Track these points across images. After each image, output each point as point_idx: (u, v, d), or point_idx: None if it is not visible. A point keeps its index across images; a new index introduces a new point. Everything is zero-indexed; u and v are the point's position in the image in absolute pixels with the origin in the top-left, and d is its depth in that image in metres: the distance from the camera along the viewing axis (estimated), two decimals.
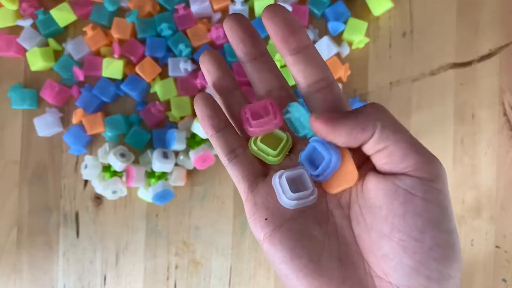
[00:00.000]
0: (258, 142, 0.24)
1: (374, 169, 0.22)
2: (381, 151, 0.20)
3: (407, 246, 0.19)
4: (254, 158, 0.24)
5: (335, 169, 0.22)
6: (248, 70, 0.25)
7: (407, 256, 0.19)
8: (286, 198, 0.22)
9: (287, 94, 0.25)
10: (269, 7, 0.22)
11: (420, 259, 0.19)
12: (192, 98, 0.50)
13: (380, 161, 0.21)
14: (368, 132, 0.20)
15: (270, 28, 0.22)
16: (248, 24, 0.24)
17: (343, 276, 0.21)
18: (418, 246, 0.19)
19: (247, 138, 0.25)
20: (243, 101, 0.25)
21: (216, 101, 0.24)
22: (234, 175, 0.24)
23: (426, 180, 0.20)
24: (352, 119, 0.20)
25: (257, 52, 0.24)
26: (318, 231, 0.22)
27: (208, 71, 0.25)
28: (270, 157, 0.24)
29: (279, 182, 0.22)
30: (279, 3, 0.49)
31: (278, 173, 0.22)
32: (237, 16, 0.23)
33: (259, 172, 0.24)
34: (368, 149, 0.21)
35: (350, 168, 0.22)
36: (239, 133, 0.25)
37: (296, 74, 0.23)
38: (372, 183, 0.21)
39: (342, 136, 0.20)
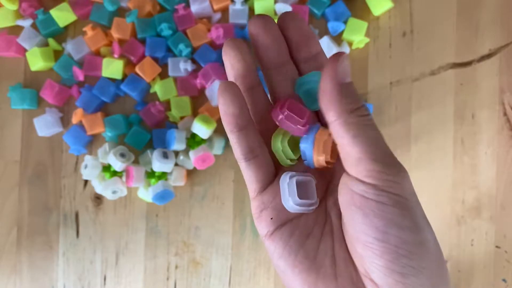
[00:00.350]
0: (286, 143, 0.24)
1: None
2: (340, 147, 0.20)
3: (375, 248, 0.20)
4: (270, 160, 0.24)
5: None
6: (271, 77, 0.24)
7: (377, 258, 0.20)
8: (291, 202, 0.22)
9: None
10: (284, 15, 0.22)
11: (390, 258, 0.20)
12: (192, 98, 0.50)
13: (341, 156, 0.21)
14: (329, 115, 0.20)
15: (285, 36, 0.22)
16: (276, 30, 0.23)
17: (336, 273, 0.22)
18: (385, 246, 0.20)
19: (266, 139, 0.24)
20: (264, 98, 0.25)
21: (243, 96, 0.22)
22: (248, 175, 0.24)
23: (379, 186, 0.20)
24: (336, 91, 0.20)
25: (284, 60, 0.24)
26: (317, 230, 0.23)
27: (232, 66, 0.23)
28: (287, 160, 0.24)
29: (288, 183, 0.23)
30: (279, 3, 0.49)
31: (289, 174, 0.23)
32: (265, 19, 0.22)
33: (273, 173, 0.24)
34: (334, 137, 0.21)
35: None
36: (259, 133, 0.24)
37: None
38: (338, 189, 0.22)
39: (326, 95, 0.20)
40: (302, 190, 0.23)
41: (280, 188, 0.23)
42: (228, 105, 0.22)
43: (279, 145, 0.24)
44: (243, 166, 0.23)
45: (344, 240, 0.23)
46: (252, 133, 0.23)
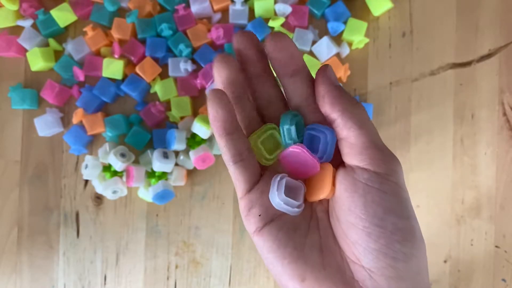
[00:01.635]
0: (259, 144, 0.25)
1: (337, 167, 0.24)
2: (345, 139, 0.23)
3: (371, 232, 0.22)
4: (256, 162, 0.25)
5: (334, 145, 0.24)
6: (254, 86, 0.26)
7: (372, 241, 0.22)
8: (278, 198, 0.24)
9: (285, 105, 0.27)
10: (272, 35, 0.24)
11: (385, 242, 0.22)
12: (192, 98, 0.50)
13: (343, 150, 0.23)
14: (335, 111, 0.23)
15: (271, 54, 0.24)
16: (257, 43, 0.25)
17: (324, 262, 0.23)
18: (381, 231, 0.22)
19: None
20: (250, 105, 0.26)
21: (230, 102, 0.24)
22: (236, 177, 0.25)
23: (381, 174, 0.22)
24: (337, 92, 0.23)
25: (262, 69, 0.26)
26: (303, 225, 0.25)
27: (220, 76, 0.25)
28: (264, 160, 0.26)
29: (278, 181, 0.24)
30: (279, 3, 0.49)
31: (280, 175, 0.24)
32: (247, 35, 0.25)
33: (259, 174, 0.25)
34: (337, 132, 0.23)
35: (327, 182, 0.24)
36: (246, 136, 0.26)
37: (291, 93, 0.25)
38: (336, 179, 0.24)
39: (320, 90, 0.23)
40: (289, 192, 0.24)
41: (266, 188, 0.25)
42: (217, 110, 0.23)
43: (258, 145, 0.25)
44: (231, 168, 0.25)
45: (331, 233, 0.24)
46: (240, 138, 0.24)
